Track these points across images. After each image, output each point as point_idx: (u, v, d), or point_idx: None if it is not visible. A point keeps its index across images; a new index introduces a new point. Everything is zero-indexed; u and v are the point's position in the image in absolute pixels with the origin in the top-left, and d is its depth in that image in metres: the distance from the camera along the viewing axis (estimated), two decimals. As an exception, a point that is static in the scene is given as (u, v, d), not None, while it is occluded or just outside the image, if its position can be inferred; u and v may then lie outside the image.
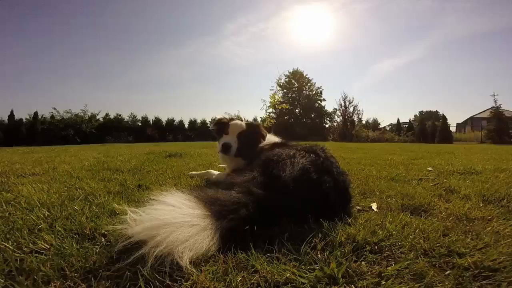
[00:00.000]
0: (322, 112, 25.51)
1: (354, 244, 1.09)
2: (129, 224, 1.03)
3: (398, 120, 23.65)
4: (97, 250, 1.03)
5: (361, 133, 20.24)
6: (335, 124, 23.81)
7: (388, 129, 24.60)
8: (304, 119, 25.05)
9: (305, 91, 25.61)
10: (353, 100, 22.52)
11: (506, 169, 3.11)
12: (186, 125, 21.35)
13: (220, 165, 3.08)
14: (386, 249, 1.07)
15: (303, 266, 0.96)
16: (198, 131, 20.42)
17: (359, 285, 0.86)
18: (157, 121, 20.69)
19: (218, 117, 2.36)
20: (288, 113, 24.52)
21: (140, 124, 20.37)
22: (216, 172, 2.45)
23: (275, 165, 1.46)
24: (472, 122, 32.97)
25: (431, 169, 3.11)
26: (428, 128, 20.88)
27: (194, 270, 0.90)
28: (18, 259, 0.96)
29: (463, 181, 2.40)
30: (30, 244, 1.07)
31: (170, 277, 0.89)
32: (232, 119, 2.32)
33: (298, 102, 25.34)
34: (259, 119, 21.25)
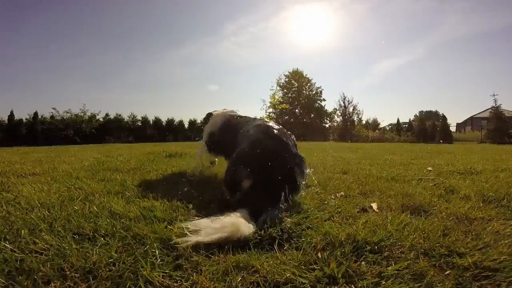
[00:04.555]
0: (322, 112, 25.47)
1: (354, 244, 1.09)
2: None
3: (398, 120, 23.58)
4: (97, 250, 1.03)
5: (361, 133, 20.22)
6: (335, 124, 23.79)
7: (388, 129, 24.56)
8: (304, 119, 25.00)
9: (305, 91, 25.57)
10: (352, 100, 22.53)
11: (506, 169, 3.11)
12: (186, 125, 21.32)
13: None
14: (386, 249, 1.07)
15: (303, 266, 0.96)
16: (198, 131, 20.39)
17: (359, 285, 0.86)
18: (157, 121, 20.66)
19: None
20: (288, 113, 24.50)
21: (140, 124, 20.34)
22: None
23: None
24: (472, 122, 32.99)
25: (431, 169, 3.12)
26: (428, 128, 20.87)
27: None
28: (18, 259, 0.97)
29: (463, 181, 2.40)
30: (30, 244, 1.07)
31: (170, 277, 0.89)
32: None
33: (298, 102, 25.31)
34: (259, 119, 21.18)
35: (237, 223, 1.20)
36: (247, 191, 1.53)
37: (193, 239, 1.10)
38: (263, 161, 1.56)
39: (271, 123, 1.89)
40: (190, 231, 1.15)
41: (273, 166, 1.55)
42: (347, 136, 19.45)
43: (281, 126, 1.84)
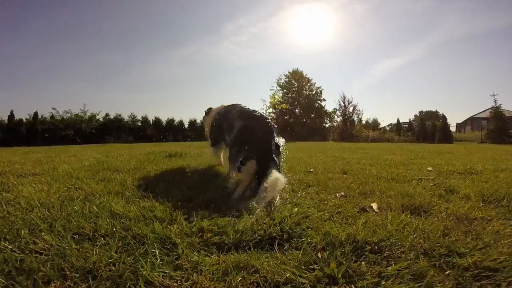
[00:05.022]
0: (322, 112, 25.45)
1: (354, 244, 1.09)
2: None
3: (398, 120, 23.58)
4: (97, 250, 1.03)
5: (361, 133, 20.20)
6: (335, 124, 23.76)
7: (388, 129, 24.54)
8: (304, 119, 24.98)
9: (305, 91, 25.54)
10: (352, 100, 22.50)
11: (506, 169, 3.11)
12: (186, 125, 21.32)
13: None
14: (386, 249, 1.07)
15: (303, 266, 0.96)
16: (198, 131, 20.40)
17: (359, 285, 0.86)
18: (157, 121, 20.66)
19: None
20: (288, 113, 24.47)
21: (140, 124, 20.34)
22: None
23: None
24: (472, 122, 33.00)
25: (431, 169, 3.11)
26: (428, 128, 20.85)
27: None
28: (18, 259, 0.97)
29: (463, 181, 2.40)
30: (30, 244, 1.07)
31: (170, 277, 0.89)
32: None
33: (298, 102, 25.29)
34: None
35: (280, 177, 1.71)
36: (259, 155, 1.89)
37: (267, 198, 1.58)
38: (256, 136, 2.02)
39: (249, 108, 2.37)
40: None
41: (263, 135, 2.01)
42: (349, 137, 19.43)
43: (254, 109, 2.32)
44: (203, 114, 3.19)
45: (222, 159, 3.06)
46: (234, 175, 2.10)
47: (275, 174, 1.71)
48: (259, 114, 2.22)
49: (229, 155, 2.12)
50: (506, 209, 1.59)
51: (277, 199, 1.66)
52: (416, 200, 1.73)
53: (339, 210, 1.53)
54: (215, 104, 3.10)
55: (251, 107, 2.39)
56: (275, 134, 2.03)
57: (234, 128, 2.24)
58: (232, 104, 2.69)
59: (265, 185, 1.63)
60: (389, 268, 0.95)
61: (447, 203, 1.69)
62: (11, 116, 17.32)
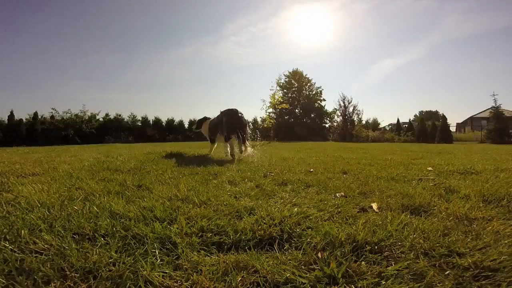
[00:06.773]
0: (322, 112, 25.45)
1: (354, 244, 1.09)
2: None
3: (398, 120, 23.55)
4: (97, 250, 1.03)
5: (361, 133, 20.20)
6: (335, 124, 23.76)
7: (388, 129, 24.57)
8: (304, 119, 25.00)
9: (305, 91, 25.56)
10: (352, 100, 22.50)
11: (506, 169, 3.11)
12: (186, 125, 21.34)
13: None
14: (386, 249, 1.07)
15: (303, 266, 0.96)
16: (198, 131, 20.44)
17: (359, 285, 0.86)
18: (157, 121, 20.67)
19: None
20: (288, 113, 24.46)
21: (140, 124, 20.35)
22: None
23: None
24: (472, 122, 32.95)
25: (431, 169, 3.11)
26: (428, 128, 20.84)
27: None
28: (18, 259, 0.97)
29: (463, 181, 2.40)
30: (30, 244, 1.07)
31: (170, 277, 0.89)
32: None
33: (298, 102, 25.30)
34: (259, 119, 21.25)
35: (249, 147, 4.36)
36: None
37: (245, 153, 4.18)
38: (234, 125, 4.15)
39: (230, 109, 4.30)
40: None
41: (239, 124, 4.15)
42: (349, 137, 19.44)
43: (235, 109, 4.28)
44: (201, 117, 5.16)
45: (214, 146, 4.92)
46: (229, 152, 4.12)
47: (248, 146, 4.20)
48: (234, 111, 4.22)
49: (222, 133, 4.23)
50: (506, 209, 1.59)
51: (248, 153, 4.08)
52: (416, 200, 1.73)
53: (339, 210, 1.53)
54: (214, 106, 4.24)
55: (235, 108, 4.29)
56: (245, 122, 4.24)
57: (222, 121, 4.22)
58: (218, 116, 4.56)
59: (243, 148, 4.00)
60: (389, 268, 0.95)
61: (447, 203, 1.69)
62: (11, 116, 17.32)
